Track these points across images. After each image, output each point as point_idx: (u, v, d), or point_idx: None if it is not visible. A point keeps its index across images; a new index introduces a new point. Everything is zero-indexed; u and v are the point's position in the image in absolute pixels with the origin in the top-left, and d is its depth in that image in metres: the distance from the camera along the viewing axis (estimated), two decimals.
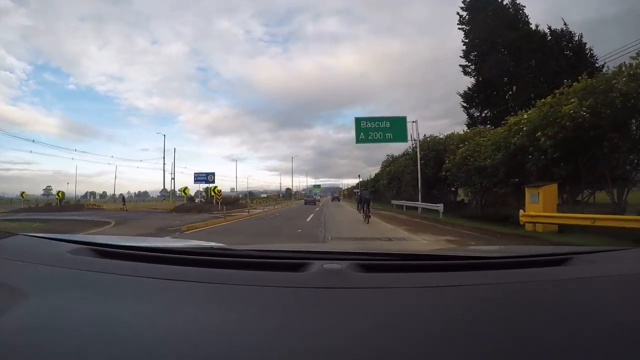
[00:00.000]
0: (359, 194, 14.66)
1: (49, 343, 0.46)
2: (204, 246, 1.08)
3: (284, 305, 0.58)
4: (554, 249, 1.25)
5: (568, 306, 0.59)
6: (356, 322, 0.52)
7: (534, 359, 0.44)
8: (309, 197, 42.56)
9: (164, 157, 35.05)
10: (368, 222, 11.69)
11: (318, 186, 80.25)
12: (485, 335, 0.49)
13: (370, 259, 0.85)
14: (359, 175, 56.01)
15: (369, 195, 13.08)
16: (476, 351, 0.45)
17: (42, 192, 74.02)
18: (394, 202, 23.99)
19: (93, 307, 0.57)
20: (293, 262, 0.78)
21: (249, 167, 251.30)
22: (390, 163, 30.94)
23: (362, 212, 12.88)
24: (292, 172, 59.59)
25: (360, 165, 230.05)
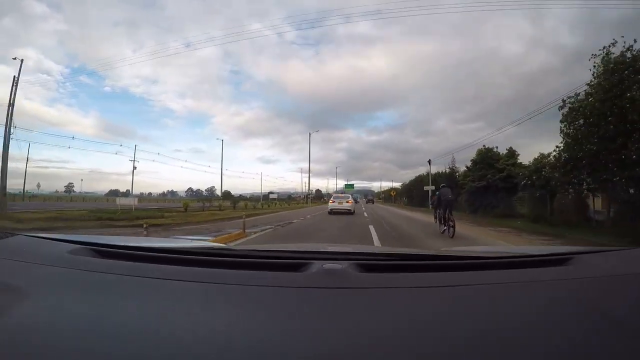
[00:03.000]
0: (437, 192, 9.47)
1: (49, 343, 0.46)
2: (204, 246, 1.10)
3: (283, 305, 0.58)
4: (554, 249, 1.25)
5: (568, 306, 0.59)
6: (356, 322, 0.52)
7: (534, 358, 0.44)
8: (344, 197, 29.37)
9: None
10: (453, 237, 7.85)
11: (351, 186, 61.83)
12: (485, 335, 0.49)
13: (370, 259, 0.85)
14: (429, 161, 34.03)
15: (452, 196, 8.84)
16: (476, 351, 0.45)
17: (63, 188, 75.02)
18: None
19: (93, 307, 0.57)
20: (293, 262, 0.77)
21: (282, 169, 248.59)
22: None
23: (440, 221, 8.72)
24: (309, 161, 49.49)
25: (391, 169, 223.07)
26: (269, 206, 35.52)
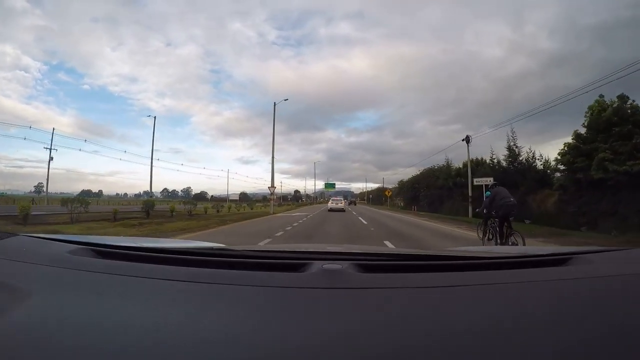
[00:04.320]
0: (487, 193, 6.94)
1: (49, 343, 0.47)
2: (204, 246, 1.09)
3: (284, 305, 0.58)
4: (554, 250, 1.22)
5: (568, 306, 0.59)
6: (356, 322, 0.52)
7: (535, 359, 0.44)
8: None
9: None
10: None
11: (332, 185, 61.30)
12: (484, 336, 0.49)
13: (370, 259, 0.85)
14: (466, 139, 19.40)
15: (514, 199, 6.05)
16: (475, 351, 0.45)
17: (33, 189, 74.71)
18: None
19: (93, 307, 0.58)
20: (293, 263, 0.78)
21: (261, 170, 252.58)
22: None
23: (490, 237, 6.38)
24: (273, 140, 25.03)
25: (371, 170, 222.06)
26: (218, 212, 22.74)
